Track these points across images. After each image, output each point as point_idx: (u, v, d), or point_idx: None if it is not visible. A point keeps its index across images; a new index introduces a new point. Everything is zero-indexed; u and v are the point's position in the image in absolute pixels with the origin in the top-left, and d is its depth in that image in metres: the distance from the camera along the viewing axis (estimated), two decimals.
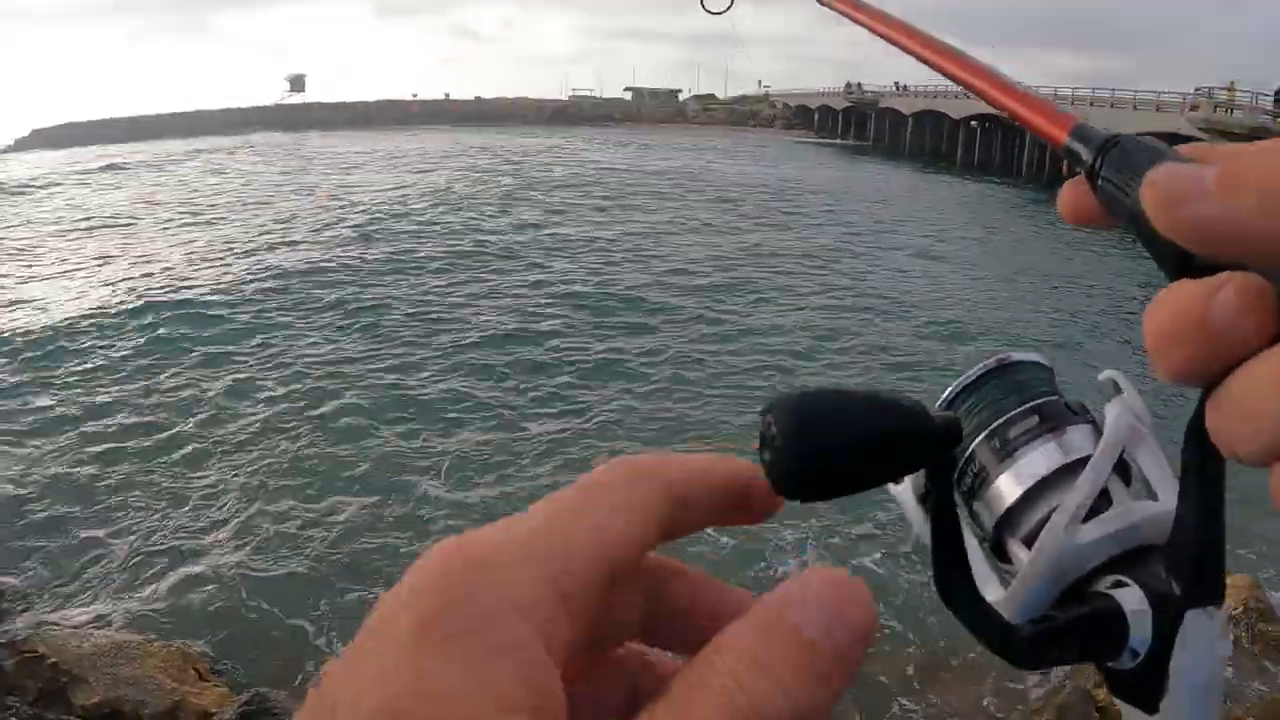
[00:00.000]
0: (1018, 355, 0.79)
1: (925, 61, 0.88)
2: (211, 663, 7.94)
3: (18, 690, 6.59)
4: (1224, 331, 0.41)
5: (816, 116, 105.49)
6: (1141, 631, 0.62)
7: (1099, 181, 0.56)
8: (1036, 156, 56.52)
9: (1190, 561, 0.60)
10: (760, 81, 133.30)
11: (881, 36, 1.00)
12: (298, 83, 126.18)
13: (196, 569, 9.55)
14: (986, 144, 67.41)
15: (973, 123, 68.35)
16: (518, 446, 12.84)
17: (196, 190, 42.77)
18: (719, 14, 2.18)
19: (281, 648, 8.35)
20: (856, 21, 1.09)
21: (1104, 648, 0.64)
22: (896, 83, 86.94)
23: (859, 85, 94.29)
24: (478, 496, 11.26)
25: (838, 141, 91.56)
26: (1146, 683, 0.62)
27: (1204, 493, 0.56)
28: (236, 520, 10.58)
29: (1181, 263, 0.47)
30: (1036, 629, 0.65)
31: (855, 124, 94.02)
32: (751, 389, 15.25)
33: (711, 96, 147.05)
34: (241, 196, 40.12)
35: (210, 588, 9.24)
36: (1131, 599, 0.63)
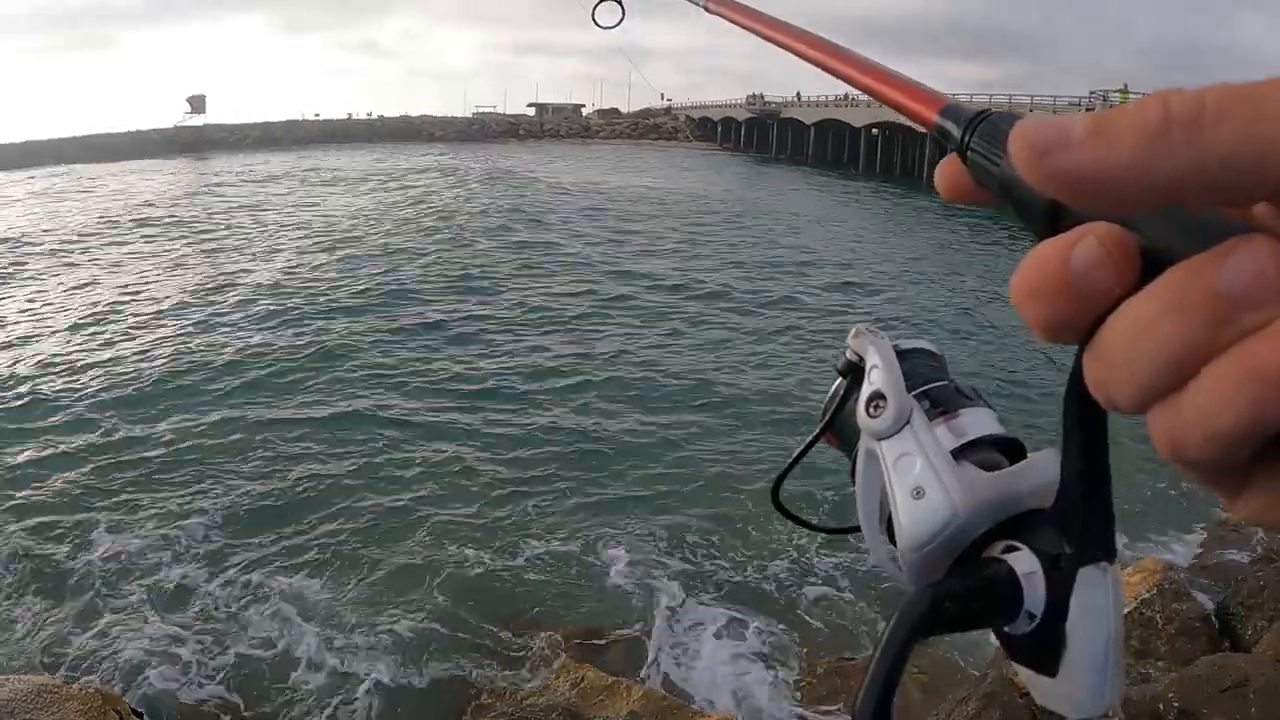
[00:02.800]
0: (906, 344, 0.85)
1: (806, 57, 0.91)
2: (133, 704, 7.75)
3: None
4: (1086, 282, 0.42)
5: (720, 128, 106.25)
6: (1035, 593, 0.64)
7: (968, 154, 0.58)
8: (935, 164, 57.50)
9: (1079, 519, 0.62)
10: (663, 95, 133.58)
11: (765, 38, 1.04)
12: (198, 104, 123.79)
13: (117, 610, 9.32)
14: (888, 151, 68.47)
15: (874, 130, 69.37)
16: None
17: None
18: (610, 28, 2.27)
19: (203, 688, 8.19)
20: (741, 25, 1.14)
21: (999, 611, 0.66)
22: (798, 93, 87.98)
23: (761, 96, 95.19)
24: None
25: (740, 154, 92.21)
26: (1045, 645, 0.64)
27: (1088, 449, 0.58)
28: (156, 559, 10.33)
29: (1049, 223, 0.47)
30: (929, 594, 0.67)
31: (759, 135, 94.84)
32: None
33: (615, 111, 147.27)
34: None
35: (132, 629, 9.01)
36: (1023, 561, 0.66)
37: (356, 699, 7.99)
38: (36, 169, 77.76)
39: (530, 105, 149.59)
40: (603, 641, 8.73)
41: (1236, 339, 0.38)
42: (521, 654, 8.47)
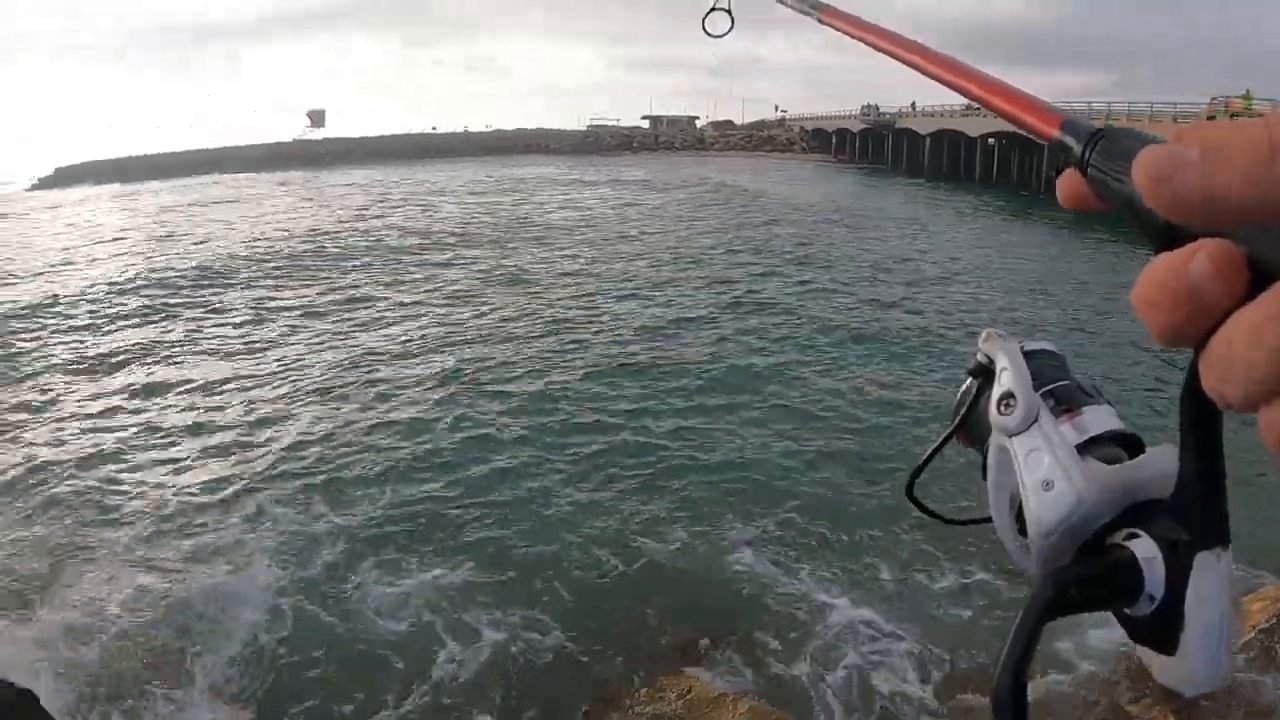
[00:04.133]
0: (1030, 345, 0.93)
1: (922, 70, 0.95)
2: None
3: None
4: (1199, 294, 0.46)
5: (834, 140, 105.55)
6: (1155, 577, 0.70)
7: (1088, 170, 0.61)
8: (1054, 172, 56.38)
9: (1196, 508, 0.67)
10: (777, 106, 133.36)
11: (880, 50, 1.07)
12: (318, 118, 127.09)
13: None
14: (1005, 160, 67.38)
15: (990, 140, 68.31)
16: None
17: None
18: (719, 37, 2.29)
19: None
20: (854, 37, 1.16)
21: (1122, 595, 0.72)
22: (913, 103, 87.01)
23: (875, 107, 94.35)
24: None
25: (853, 165, 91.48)
26: (1164, 625, 0.70)
27: (1204, 445, 0.63)
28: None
29: (1166, 238, 0.50)
30: (1056, 580, 0.74)
31: (873, 146, 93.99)
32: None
33: (729, 123, 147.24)
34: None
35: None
36: (1144, 548, 0.72)
37: (461, 693, 8.14)
38: (156, 182, 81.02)
39: (644, 117, 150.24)
40: (717, 647, 8.70)
41: None
42: (635, 658, 8.51)
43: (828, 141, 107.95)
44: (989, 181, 66.52)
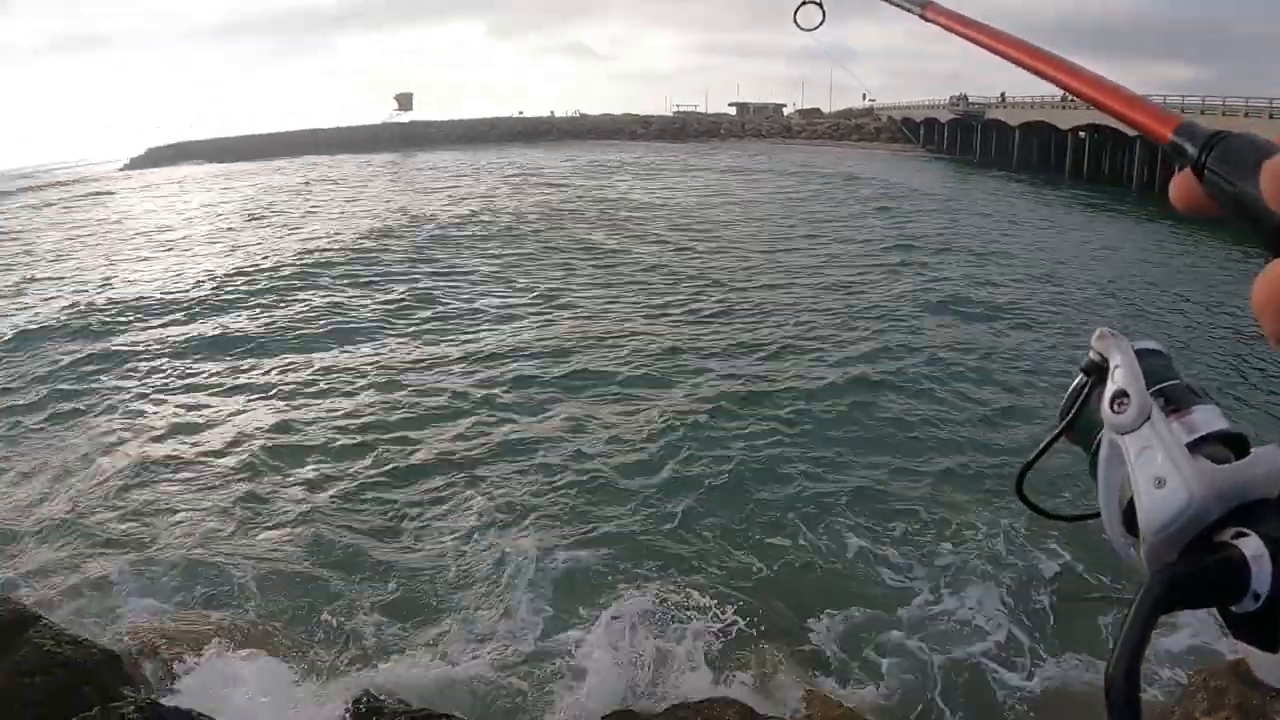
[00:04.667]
0: (1140, 344, 0.94)
1: (1030, 69, 0.97)
2: None
3: (129, 681, 6.90)
4: None
5: (922, 129, 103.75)
6: (1262, 574, 0.70)
7: (1205, 173, 0.64)
8: (1146, 168, 55.05)
9: None
10: (865, 95, 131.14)
11: (986, 48, 1.09)
12: (406, 101, 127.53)
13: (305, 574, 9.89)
14: (1096, 155, 65.71)
15: (1080, 133, 66.59)
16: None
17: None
18: (811, 30, 2.36)
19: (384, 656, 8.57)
20: (962, 35, 1.19)
21: (1228, 592, 0.72)
22: (1002, 94, 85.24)
23: (965, 97, 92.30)
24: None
25: (942, 156, 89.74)
26: (1268, 623, 0.70)
27: None
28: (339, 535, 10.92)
29: None
30: (1168, 575, 0.76)
31: (962, 137, 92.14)
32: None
33: (816, 110, 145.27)
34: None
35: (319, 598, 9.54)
36: (1252, 546, 0.72)
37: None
38: (259, 161, 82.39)
39: (731, 104, 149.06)
40: (843, 659, 8.65)
41: None
42: (759, 669, 8.37)
43: (916, 131, 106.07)
44: (1079, 176, 64.75)
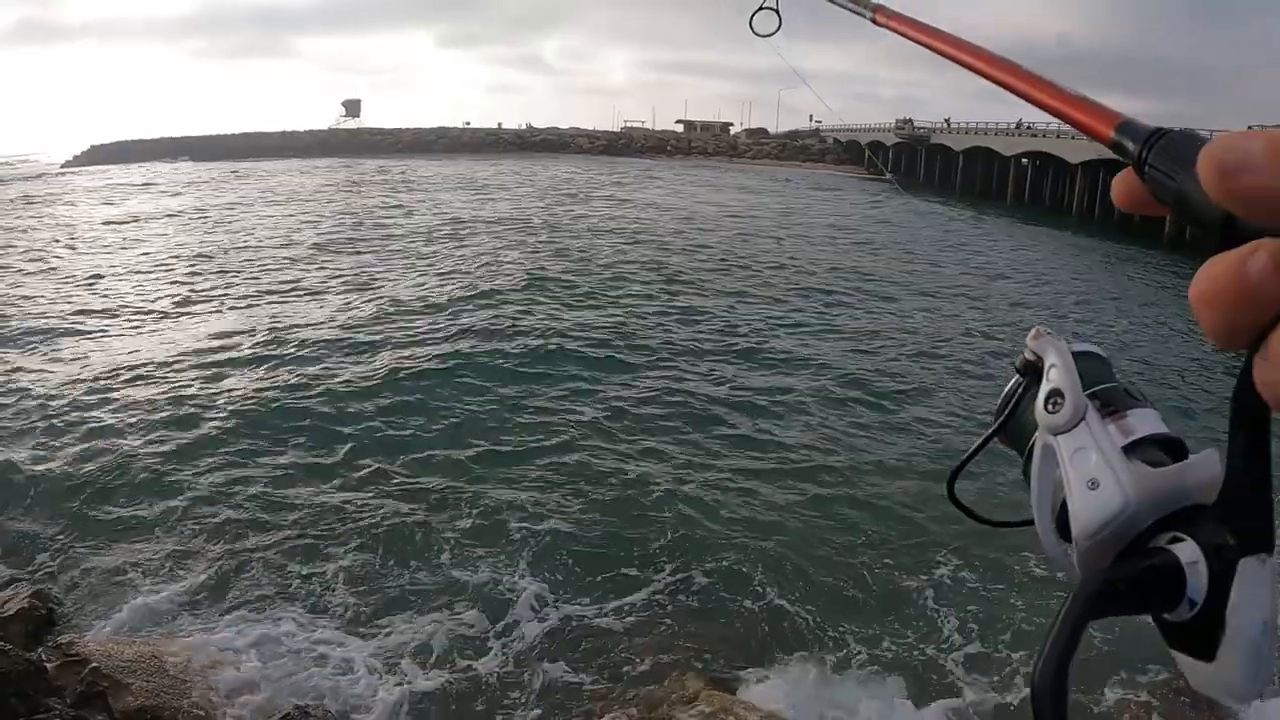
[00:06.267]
0: (1077, 346, 0.93)
1: (978, 71, 0.95)
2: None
3: (57, 692, 6.74)
4: (1257, 292, 0.45)
5: (867, 152, 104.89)
6: (1197, 581, 0.68)
7: (1146, 170, 0.63)
8: (1087, 195, 55.89)
9: (1242, 512, 0.66)
10: (812, 116, 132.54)
11: (936, 51, 1.08)
12: (353, 108, 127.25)
13: (237, 585, 9.71)
14: (1037, 182, 66.72)
15: (1023, 160, 67.64)
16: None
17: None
18: (767, 36, 2.33)
19: (323, 663, 8.45)
20: (912, 39, 1.17)
21: (1163, 599, 0.70)
22: (947, 120, 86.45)
23: (910, 121, 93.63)
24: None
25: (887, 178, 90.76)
26: (1203, 632, 0.68)
27: (1253, 448, 0.62)
28: (282, 534, 10.74)
29: (1225, 236, 0.50)
30: (1100, 577, 0.74)
31: (906, 160, 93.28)
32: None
33: (763, 130, 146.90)
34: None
35: (251, 602, 9.38)
36: (1187, 552, 0.70)
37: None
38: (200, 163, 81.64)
39: (678, 122, 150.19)
40: (741, 661, 8.63)
41: None
42: (652, 663, 8.47)
43: (860, 153, 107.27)
44: (1020, 202, 65.86)
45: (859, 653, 8.80)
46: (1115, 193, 0.66)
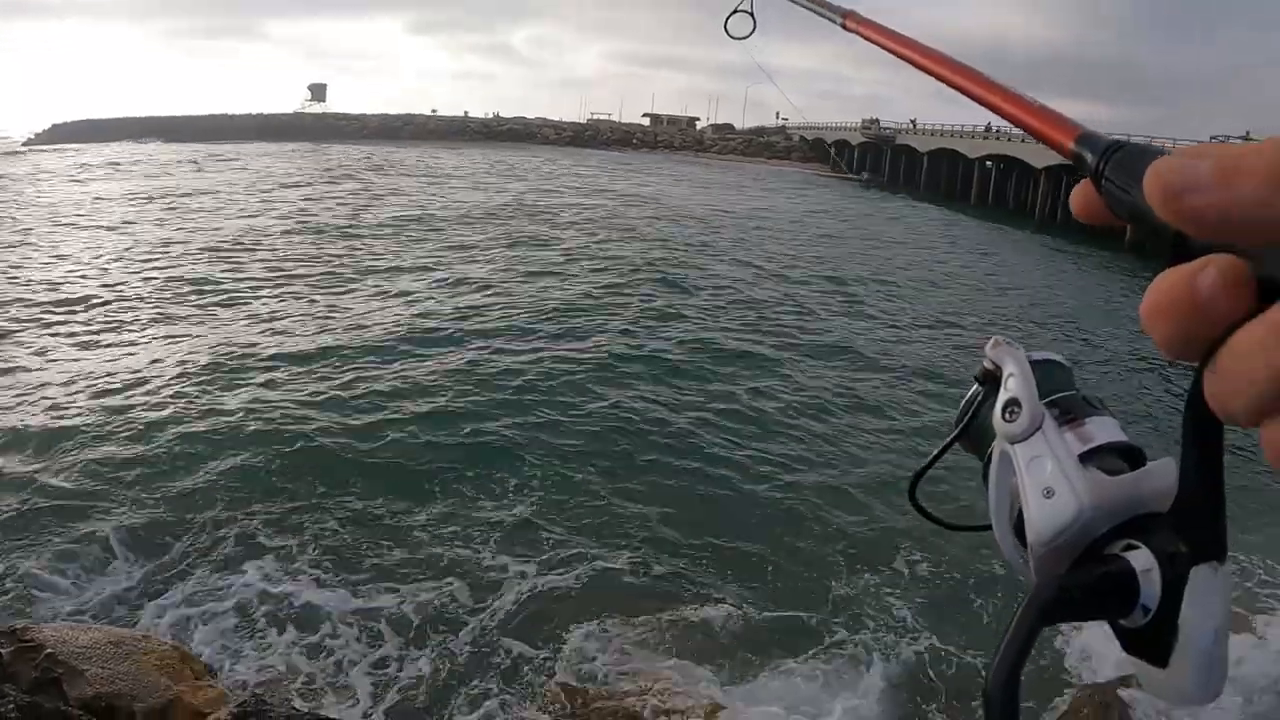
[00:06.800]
0: (1037, 355, 0.93)
1: (944, 79, 0.95)
2: (209, 662, 7.92)
3: (12, 679, 6.60)
4: (1206, 307, 0.46)
5: (833, 150, 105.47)
6: (1151, 588, 0.68)
7: (1102, 183, 0.62)
8: (1050, 199, 56.50)
9: (1195, 521, 0.66)
10: (778, 114, 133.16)
11: (901, 57, 1.08)
12: (319, 92, 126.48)
13: (199, 568, 9.56)
14: (1001, 184, 67.41)
15: (988, 162, 68.33)
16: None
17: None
18: (742, 39, 2.33)
19: (282, 652, 8.35)
20: (877, 44, 1.17)
21: (1117, 606, 0.70)
22: (913, 120, 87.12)
23: (876, 121, 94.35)
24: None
25: (852, 177, 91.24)
26: (1157, 638, 0.68)
27: (1205, 459, 0.61)
28: (241, 522, 10.58)
29: (1176, 251, 0.51)
30: (1054, 583, 0.73)
31: (871, 160, 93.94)
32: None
33: (729, 126, 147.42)
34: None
35: (212, 587, 9.24)
36: (1141, 559, 0.70)
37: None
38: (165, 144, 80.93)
39: (645, 115, 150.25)
40: (690, 653, 8.62)
41: None
42: (603, 654, 8.48)
43: (826, 152, 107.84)
44: (984, 204, 66.54)
45: (824, 653, 8.83)
46: (1074, 204, 0.66)
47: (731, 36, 2.34)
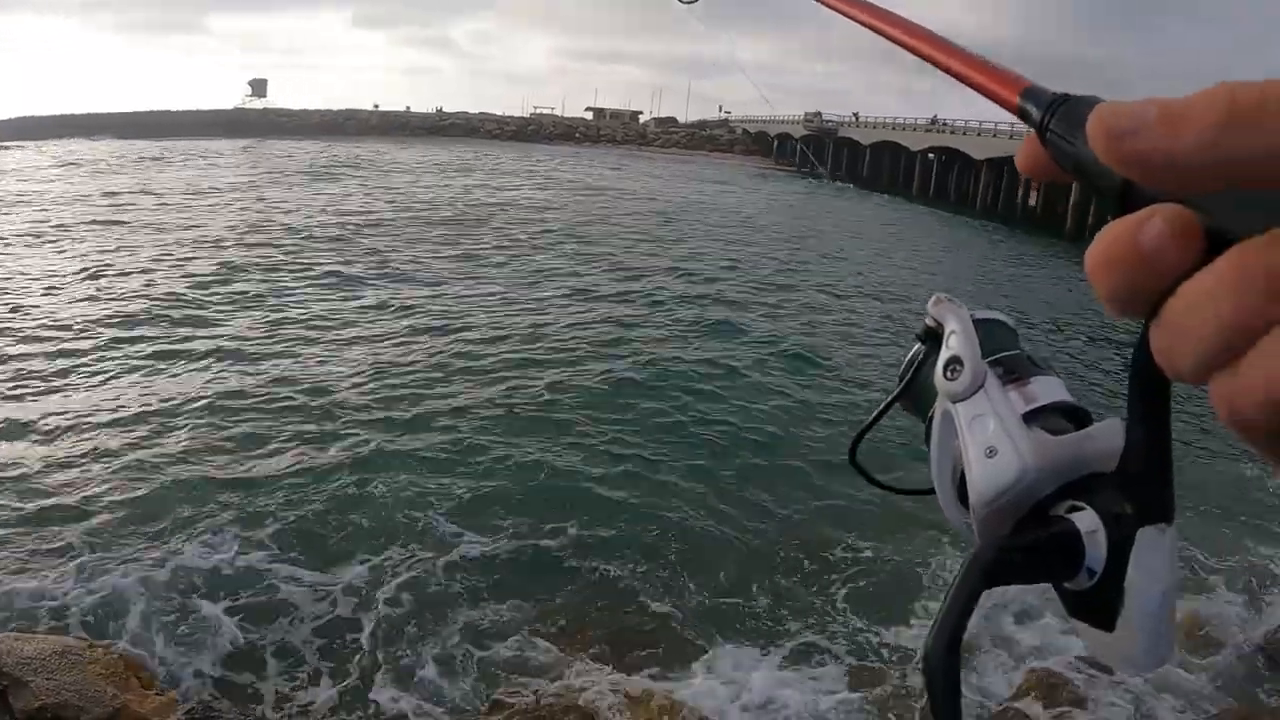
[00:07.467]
0: (982, 314, 0.91)
1: (893, 39, 0.91)
2: (156, 671, 7.81)
3: None
4: (1153, 258, 0.45)
5: (776, 143, 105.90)
6: (1096, 550, 0.67)
7: (1047, 135, 0.60)
8: (991, 190, 57.18)
9: (1141, 481, 0.65)
10: (720, 106, 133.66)
11: (848, 16, 1.05)
12: (260, 87, 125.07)
13: (145, 574, 9.39)
14: (943, 176, 68.08)
15: (930, 154, 68.98)
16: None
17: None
18: (689, 3, 2.30)
19: (233, 661, 8.23)
20: (836, 9, 1.11)
21: (1062, 568, 0.68)
22: (855, 114, 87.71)
23: (819, 114, 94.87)
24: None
25: (794, 170, 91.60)
26: (1102, 601, 0.67)
27: (1152, 417, 0.60)
28: (188, 527, 10.41)
29: (1121, 201, 0.50)
30: (996, 544, 0.72)
31: (814, 153, 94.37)
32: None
33: (672, 120, 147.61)
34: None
35: (159, 594, 9.08)
36: (1086, 520, 0.68)
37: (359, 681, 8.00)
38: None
39: (588, 109, 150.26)
40: (629, 644, 8.64)
41: None
42: (544, 652, 8.41)
43: (769, 145, 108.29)
44: (926, 195, 67.19)
45: (771, 637, 8.84)
46: (1019, 158, 0.64)
47: (680, 1, 2.31)
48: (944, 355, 0.86)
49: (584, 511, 11.07)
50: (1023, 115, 0.64)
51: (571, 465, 12.43)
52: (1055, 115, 0.60)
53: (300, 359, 16.66)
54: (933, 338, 0.91)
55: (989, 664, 8.33)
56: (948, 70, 0.79)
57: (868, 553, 10.33)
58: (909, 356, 0.95)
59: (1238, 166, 0.41)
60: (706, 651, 8.54)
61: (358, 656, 8.30)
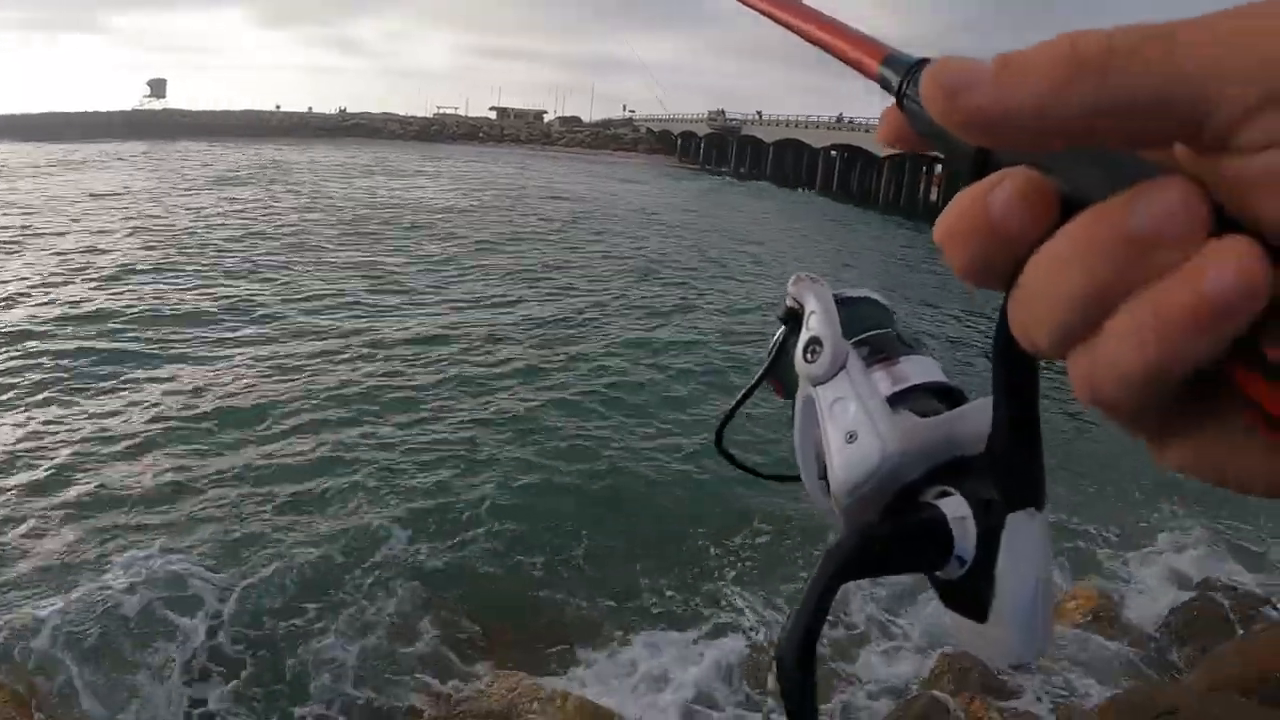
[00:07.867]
0: (850, 293, 0.87)
1: (765, 13, 0.89)
2: (73, 689, 7.57)
3: None
4: (1003, 225, 0.42)
5: (679, 142, 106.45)
6: (965, 538, 0.64)
7: (904, 102, 0.57)
8: (893, 186, 58.11)
9: (1009, 464, 0.62)
10: (625, 106, 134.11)
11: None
12: (159, 88, 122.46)
13: (41, 603, 9.13)
14: (845, 173, 68.97)
15: (832, 152, 69.81)
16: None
17: None
18: None
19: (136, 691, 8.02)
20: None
21: (931, 557, 0.66)
22: (758, 112, 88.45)
23: (722, 112, 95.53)
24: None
25: (696, 168, 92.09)
26: (975, 590, 0.64)
27: (1017, 395, 0.58)
28: (89, 549, 10.11)
29: (976, 168, 0.47)
30: (857, 533, 0.69)
31: (717, 151, 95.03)
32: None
33: (577, 119, 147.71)
34: None
35: (53, 624, 8.81)
36: (954, 506, 0.66)
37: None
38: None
39: (492, 109, 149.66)
40: (541, 644, 8.58)
41: (1147, 281, 0.38)
42: (458, 657, 8.31)
43: (673, 144, 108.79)
44: (829, 191, 67.99)
45: (666, 628, 8.86)
46: (880, 129, 0.59)
47: None
48: (804, 337, 0.82)
49: (495, 519, 10.89)
50: (884, 83, 0.61)
51: (477, 473, 12.24)
52: (912, 81, 0.56)
53: (192, 375, 16.32)
54: (794, 319, 0.86)
55: (900, 649, 8.40)
56: (808, 37, 0.73)
57: (765, 538, 10.32)
58: (773, 340, 0.91)
59: (1083, 121, 0.39)
60: (620, 645, 8.53)
61: (263, 668, 8.10)
